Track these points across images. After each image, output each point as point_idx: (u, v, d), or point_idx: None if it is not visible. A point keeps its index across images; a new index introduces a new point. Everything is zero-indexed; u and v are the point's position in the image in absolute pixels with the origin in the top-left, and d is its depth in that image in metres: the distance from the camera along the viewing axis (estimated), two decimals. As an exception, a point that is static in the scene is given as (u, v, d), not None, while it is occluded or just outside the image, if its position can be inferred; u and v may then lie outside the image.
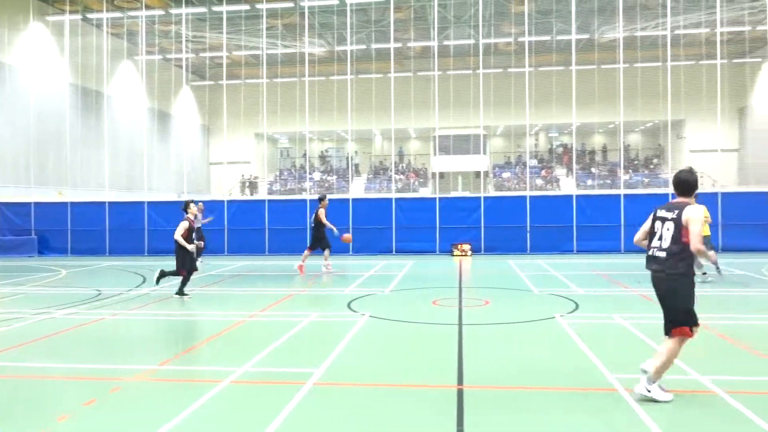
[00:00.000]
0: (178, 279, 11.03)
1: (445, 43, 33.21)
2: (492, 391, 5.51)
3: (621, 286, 12.03)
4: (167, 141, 36.74)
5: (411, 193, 34.75)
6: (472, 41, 32.41)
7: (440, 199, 20.75)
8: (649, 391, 5.04)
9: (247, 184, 39.81)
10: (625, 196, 19.93)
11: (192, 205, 11.33)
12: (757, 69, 36.14)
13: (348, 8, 26.41)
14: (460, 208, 20.21)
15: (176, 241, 10.85)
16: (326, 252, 14.79)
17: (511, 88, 33.22)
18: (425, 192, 38.86)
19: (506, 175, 40.57)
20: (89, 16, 27.50)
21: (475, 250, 19.50)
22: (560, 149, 43.64)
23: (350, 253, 19.93)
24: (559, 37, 32.19)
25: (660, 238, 5.10)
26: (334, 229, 14.67)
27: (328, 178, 41.35)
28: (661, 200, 18.98)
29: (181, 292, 10.91)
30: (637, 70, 32.60)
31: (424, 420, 4.80)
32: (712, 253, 11.81)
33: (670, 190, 26.22)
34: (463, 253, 19.18)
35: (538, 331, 8.06)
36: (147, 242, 20.92)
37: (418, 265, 16.58)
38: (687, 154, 38.69)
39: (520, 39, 32.32)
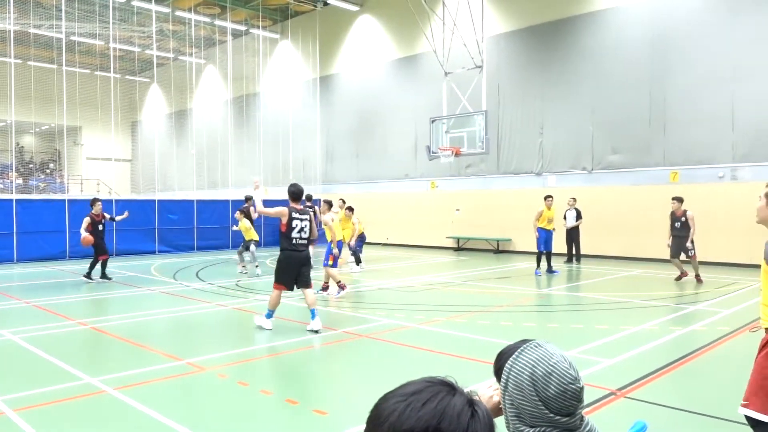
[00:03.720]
0: None
1: None
2: None
3: (14, 298, 11.18)
4: None
5: None
6: None
7: None
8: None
9: None
10: (19, 201, 18.51)
11: None
12: (146, 88, 39.86)
13: None
14: None
15: None
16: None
17: None
18: None
19: None
20: None
21: None
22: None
23: None
24: (-68, 12, 27.06)
25: (300, 231, 7.53)
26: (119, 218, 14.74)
27: None
28: (59, 206, 18.58)
29: None
30: (31, 69, 30.75)
31: None
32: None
33: (69, 196, 25.69)
34: None
35: None
36: None
37: None
38: (84, 161, 39.11)
39: None
